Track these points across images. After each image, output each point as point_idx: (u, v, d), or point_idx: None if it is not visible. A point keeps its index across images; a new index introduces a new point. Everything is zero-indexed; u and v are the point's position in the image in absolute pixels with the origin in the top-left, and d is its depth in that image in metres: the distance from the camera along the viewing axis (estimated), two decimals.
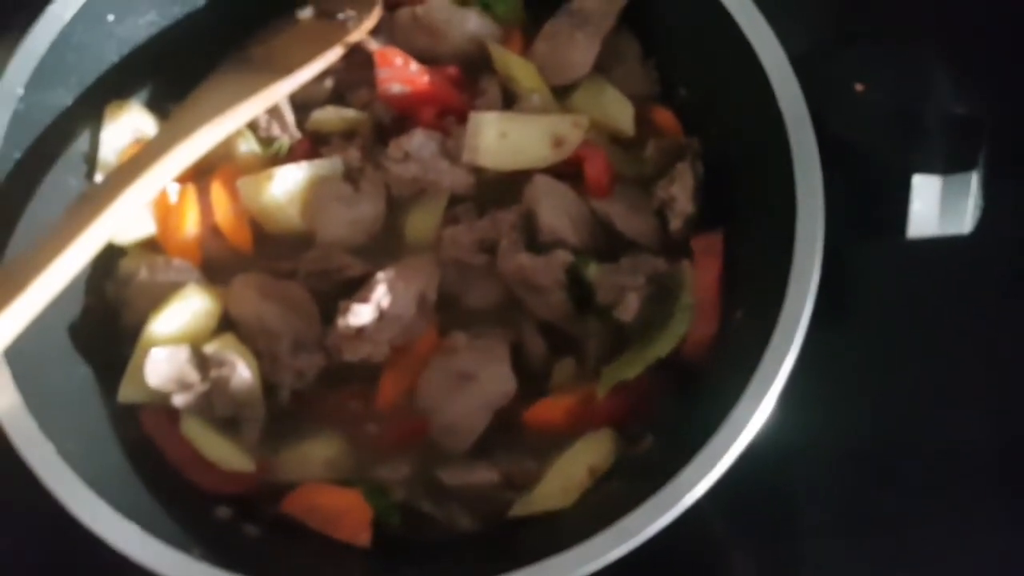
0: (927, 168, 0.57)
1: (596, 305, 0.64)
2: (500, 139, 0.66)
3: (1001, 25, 0.66)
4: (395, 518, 0.60)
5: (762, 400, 0.53)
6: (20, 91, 0.60)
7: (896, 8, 0.67)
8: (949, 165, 0.57)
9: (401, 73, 0.68)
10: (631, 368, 0.61)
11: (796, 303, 0.55)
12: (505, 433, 0.63)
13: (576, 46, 0.70)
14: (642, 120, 0.70)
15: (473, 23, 0.72)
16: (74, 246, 0.53)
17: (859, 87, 0.61)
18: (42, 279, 0.51)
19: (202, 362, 0.60)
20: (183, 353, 0.60)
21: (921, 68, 0.60)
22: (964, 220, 0.58)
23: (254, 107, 0.64)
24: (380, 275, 0.62)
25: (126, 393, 0.61)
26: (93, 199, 0.57)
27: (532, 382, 0.64)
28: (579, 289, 0.65)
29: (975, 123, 0.58)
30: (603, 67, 0.71)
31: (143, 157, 0.60)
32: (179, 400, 0.60)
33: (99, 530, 0.49)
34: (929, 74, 0.60)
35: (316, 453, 0.62)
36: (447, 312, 0.66)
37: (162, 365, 0.59)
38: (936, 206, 0.57)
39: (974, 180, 0.57)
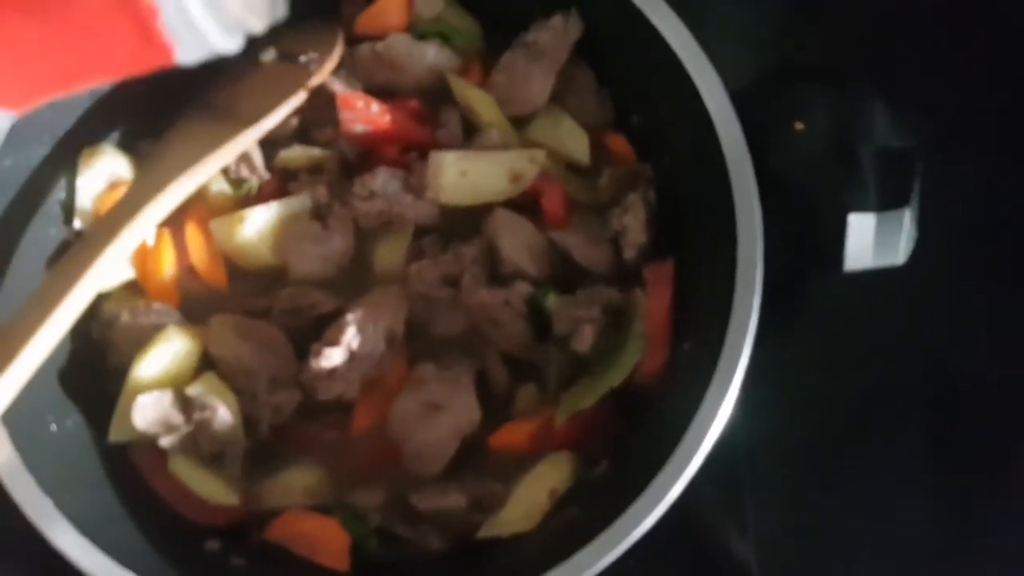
0: (862, 206, 0.60)
1: (554, 334, 0.68)
2: (460, 177, 0.69)
3: (935, 63, 0.68)
4: (372, 542, 0.65)
5: (709, 429, 0.58)
6: None
7: (834, 48, 0.69)
8: (883, 202, 0.60)
9: (363, 115, 0.70)
10: (586, 397, 0.65)
11: (737, 337, 0.59)
12: (472, 456, 0.67)
13: (532, 78, 0.72)
14: (597, 146, 0.73)
15: (432, 55, 0.74)
16: (62, 307, 0.56)
17: (799, 125, 0.64)
18: (33, 343, 0.54)
19: (186, 405, 0.64)
20: (167, 397, 0.64)
21: (857, 106, 0.63)
22: (898, 253, 0.61)
23: (224, 157, 0.66)
24: (349, 316, 0.66)
25: (116, 434, 0.65)
26: (75, 258, 0.60)
27: (496, 408, 0.68)
28: (539, 318, 0.69)
29: (908, 159, 0.61)
30: (559, 96, 0.74)
31: (120, 212, 0.63)
32: (165, 441, 0.64)
33: None
34: (865, 112, 0.63)
35: (296, 482, 0.67)
36: (414, 341, 0.69)
37: (148, 410, 0.63)
38: (871, 241, 0.60)
39: (907, 215, 0.60)
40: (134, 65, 0.44)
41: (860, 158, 0.62)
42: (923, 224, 0.63)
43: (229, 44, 0.40)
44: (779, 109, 0.64)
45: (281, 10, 0.44)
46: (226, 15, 0.39)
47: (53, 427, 0.63)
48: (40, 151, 0.67)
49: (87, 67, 0.43)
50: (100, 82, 0.48)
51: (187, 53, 0.37)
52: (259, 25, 0.43)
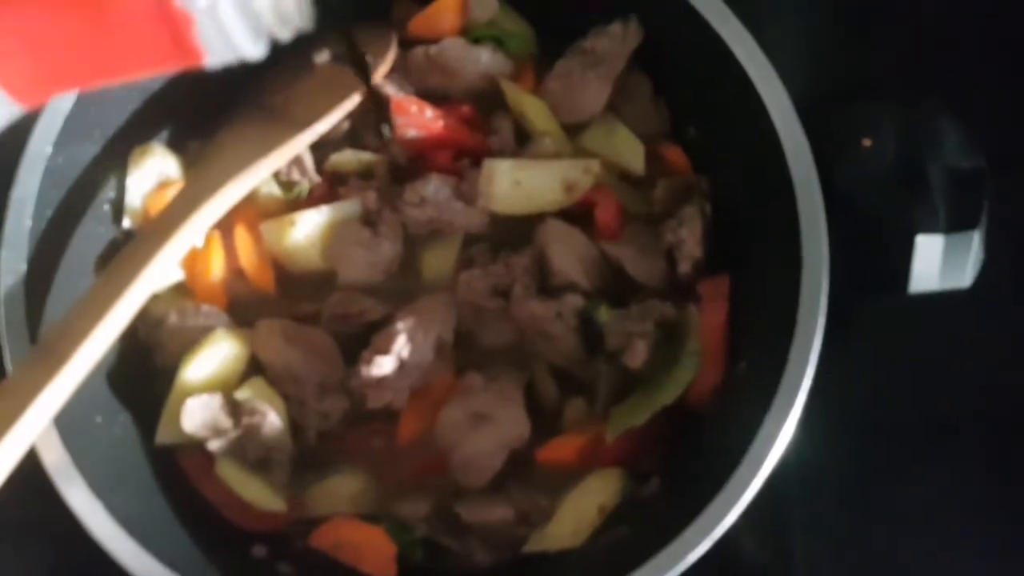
0: (929, 227, 0.59)
1: (605, 349, 0.67)
2: (514, 186, 0.68)
3: (1006, 81, 0.66)
4: (417, 553, 0.65)
5: (769, 451, 0.56)
6: (49, 149, 0.63)
7: (904, 64, 0.68)
8: (952, 223, 0.59)
9: (416, 120, 0.69)
10: (638, 415, 0.64)
11: (800, 359, 0.58)
12: (519, 469, 0.66)
13: (588, 86, 0.71)
14: (652, 157, 0.72)
15: (485, 60, 0.73)
16: (114, 310, 0.56)
17: (866, 142, 0.62)
18: (86, 347, 0.54)
19: (234, 409, 0.64)
20: (216, 401, 0.64)
21: (927, 125, 0.61)
22: (964, 275, 0.60)
23: (277, 160, 0.66)
24: (399, 324, 0.65)
25: (163, 436, 0.65)
26: (127, 260, 0.59)
27: (544, 421, 0.67)
28: (590, 331, 0.67)
29: (979, 179, 0.60)
30: (614, 105, 0.72)
31: (174, 213, 0.62)
32: (214, 445, 0.63)
33: None
34: (935, 131, 0.61)
35: (342, 489, 0.66)
36: (462, 351, 0.68)
37: (197, 413, 0.63)
38: (938, 264, 0.59)
39: (976, 238, 0.59)
40: (157, 66, 0.43)
41: (929, 177, 0.60)
42: (989, 246, 0.61)
43: (256, 51, 0.39)
44: (846, 125, 0.63)
45: (305, 20, 0.44)
46: (259, 25, 0.39)
47: (103, 428, 0.62)
48: (91, 149, 0.67)
49: (109, 66, 0.43)
50: (115, 81, 0.48)
51: (214, 59, 0.37)
52: (287, 34, 0.42)
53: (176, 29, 0.35)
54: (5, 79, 0.36)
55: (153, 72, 0.44)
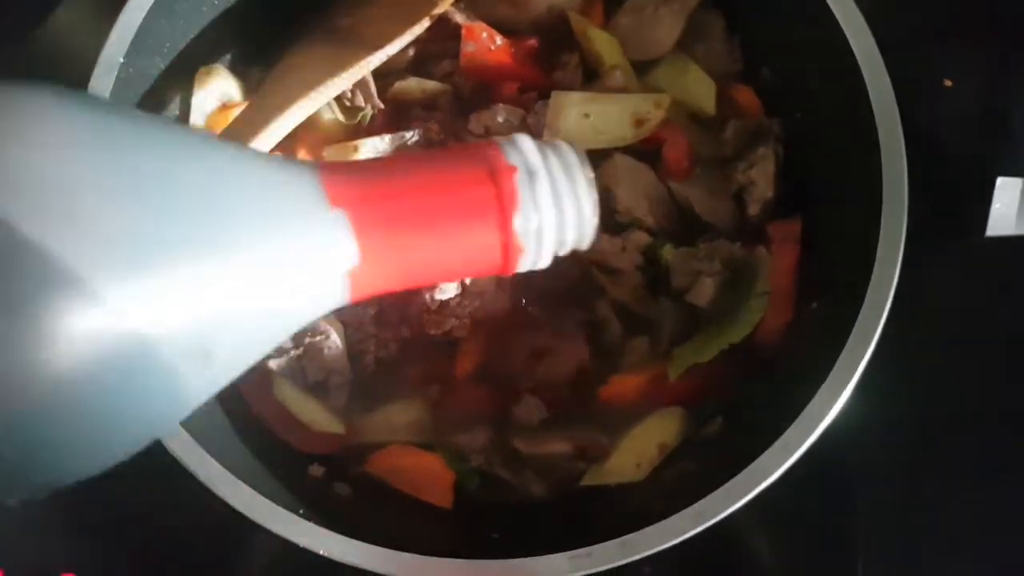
0: (1010, 170, 0.57)
1: (670, 288, 0.66)
2: (582, 119, 0.66)
3: None
4: (474, 482, 0.64)
5: (839, 395, 0.55)
6: (121, 59, 0.62)
7: (988, 6, 0.66)
8: None
9: (485, 47, 0.68)
10: (703, 352, 0.63)
11: (877, 301, 0.56)
12: (579, 406, 0.65)
13: (660, 22, 0.70)
14: (722, 98, 0.70)
15: None
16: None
17: (948, 83, 0.60)
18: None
19: None
20: None
21: (1009, 68, 0.59)
22: None
23: (344, 82, 0.65)
24: None
25: None
26: None
27: (606, 359, 0.66)
28: (654, 270, 0.66)
29: None
30: (686, 43, 0.71)
31: (239, 130, 0.61)
32: (274, 363, 0.63)
33: (222, 493, 0.53)
34: (1017, 75, 0.59)
35: (398, 417, 0.65)
36: (524, 288, 0.68)
37: None
38: (1016, 207, 0.57)
39: None
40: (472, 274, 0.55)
41: (1010, 120, 0.58)
42: None
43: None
44: (928, 66, 0.61)
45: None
46: (561, 247, 0.43)
47: None
48: (159, 64, 0.66)
49: (437, 278, 0.54)
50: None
51: (518, 270, 0.42)
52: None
53: (507, 255, 0.40)
54: (354, 292, 0.39)
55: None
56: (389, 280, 0.40)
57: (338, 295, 0.39)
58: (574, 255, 0.65)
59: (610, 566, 0.53)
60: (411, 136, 0.69)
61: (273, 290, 0.36)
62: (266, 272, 0.36)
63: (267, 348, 0.40)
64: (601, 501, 0.62)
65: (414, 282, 0.43)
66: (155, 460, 0.53)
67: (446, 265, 0.41)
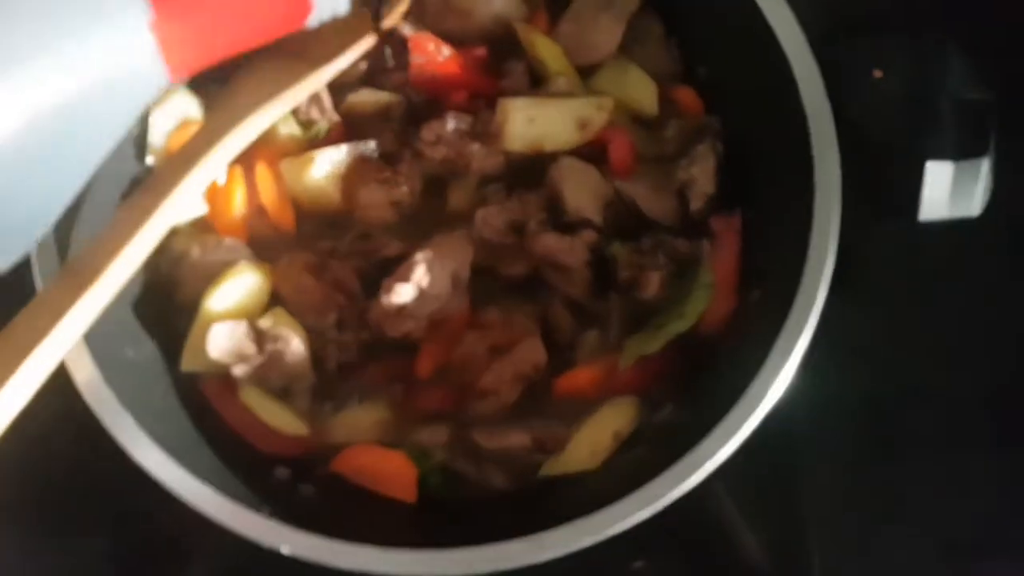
0: (939, 154, 0.60)
1: (618, 282, 0.68)
2: (528, 124, 0.69)
3: (1012, 12, 0.67)
4: (436, 478, 0.66)
5: (779, 373, 0.58)
6: None
7: None
8: (961, 151, 0.60)
9: (433, 59, 0.71)
10: (651, 343, 0.65)
11: (812, 284, 0.59)
12: (535, 400, 0.68)
13: (601, 27, 0.72)
14: (663, 99, 0.73)
15: (499, 3, 0.74)
16: (134, 241, 0.56)
17: (877, 73, 0.63)
18: (106, 276, 0.54)
19: (258, 336, 0.65)
20: (241, 328, 0.65)
21: (935, 56, 0.62)
22: (974, 203, 0.61)
23: (296, 95, 0.66)
24: (419, 256, 0.66)
25: (188, 364, 0.66)
26: (148, 192, 0.60)
27: (560, 353, 0.68)
28: (602, 267, 0.69)
29: (986, 109, 0.61)
30: (626, 47, 0.74)
31: (193, 148, 0.63)
32: (238, 371, 0.65)
33: (179, 492, 0.55)
34: (943, 62, 0.62)
35: (363, 418, 0.67)
36: (480, 286, 0.70)
37: (223, 339, 0.64)
38: (947, 191, 0.60)
39: (985, 165, 0.60)
40: (274, 33, 0.50)
41: (939, 106, 0.61)
42: (998, 176, 0.62)
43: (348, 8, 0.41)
44: (856, 58, 0.64)
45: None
46: None
47: (130, 353, 0.64)
48: None
49: (246, 34, 0.50)
50: (243, 49, 0.55)
51: (314, 20, 0.39)
52: None
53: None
54: (167, 55, 0.38)
55: (270, 38, 0.48)
56: (199, 44, 0.39)
57: (151, 61, 0.38)
58: (526, 254, 0.69)
59: (566, 551, 0.56)
60: (367, 146, 0.72)
61: (84, 58, 0.36)
62: (71, 39, 0.36)
63: (111, 132, 0.39)
64: (560, 491, 0.64)
65: (222, 43, 0.41)
66: (120, 466, 0.56)
67: (243, 17, 0.40)
